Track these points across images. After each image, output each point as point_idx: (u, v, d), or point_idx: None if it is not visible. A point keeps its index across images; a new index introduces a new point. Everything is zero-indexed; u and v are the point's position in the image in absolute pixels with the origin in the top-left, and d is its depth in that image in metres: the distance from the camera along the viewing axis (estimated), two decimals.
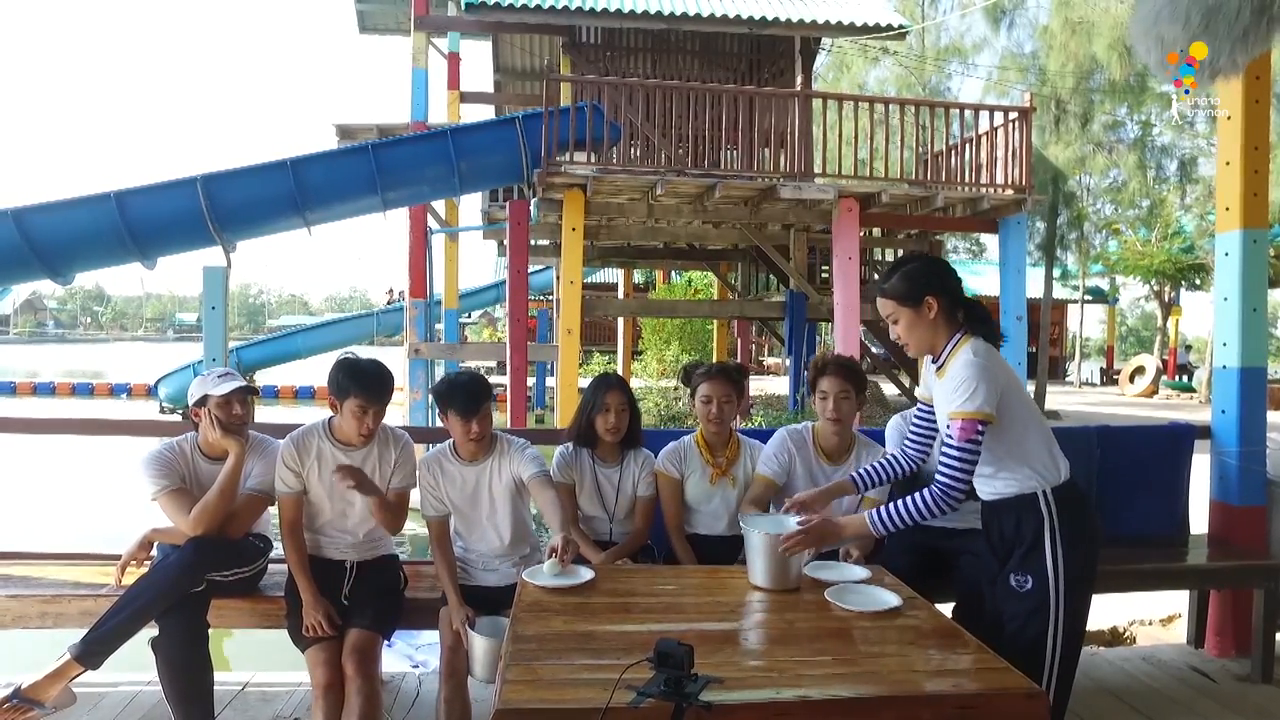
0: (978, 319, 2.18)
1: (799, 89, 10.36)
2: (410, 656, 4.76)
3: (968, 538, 2.75)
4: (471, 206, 15.03)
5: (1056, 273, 17.35)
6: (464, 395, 2.60)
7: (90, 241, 7.75)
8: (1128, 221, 18.52)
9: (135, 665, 2.86)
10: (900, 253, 10.90)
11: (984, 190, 9.03)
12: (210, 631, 2.59)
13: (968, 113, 9.31)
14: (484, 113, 17.39)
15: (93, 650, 2.42)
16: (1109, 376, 24.12)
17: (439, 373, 11.13)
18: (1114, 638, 4.65)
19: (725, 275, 14.16)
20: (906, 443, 2.45)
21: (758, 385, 16.67)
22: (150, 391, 18.03)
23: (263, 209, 8.13)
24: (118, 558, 2.82)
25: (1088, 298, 23.84)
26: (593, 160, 8.55)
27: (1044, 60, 15.02)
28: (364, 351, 2.77)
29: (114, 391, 22.80)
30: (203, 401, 2.69)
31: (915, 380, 11.01)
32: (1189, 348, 24.45)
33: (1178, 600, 4.38)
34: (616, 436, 2.87)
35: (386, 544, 2.82)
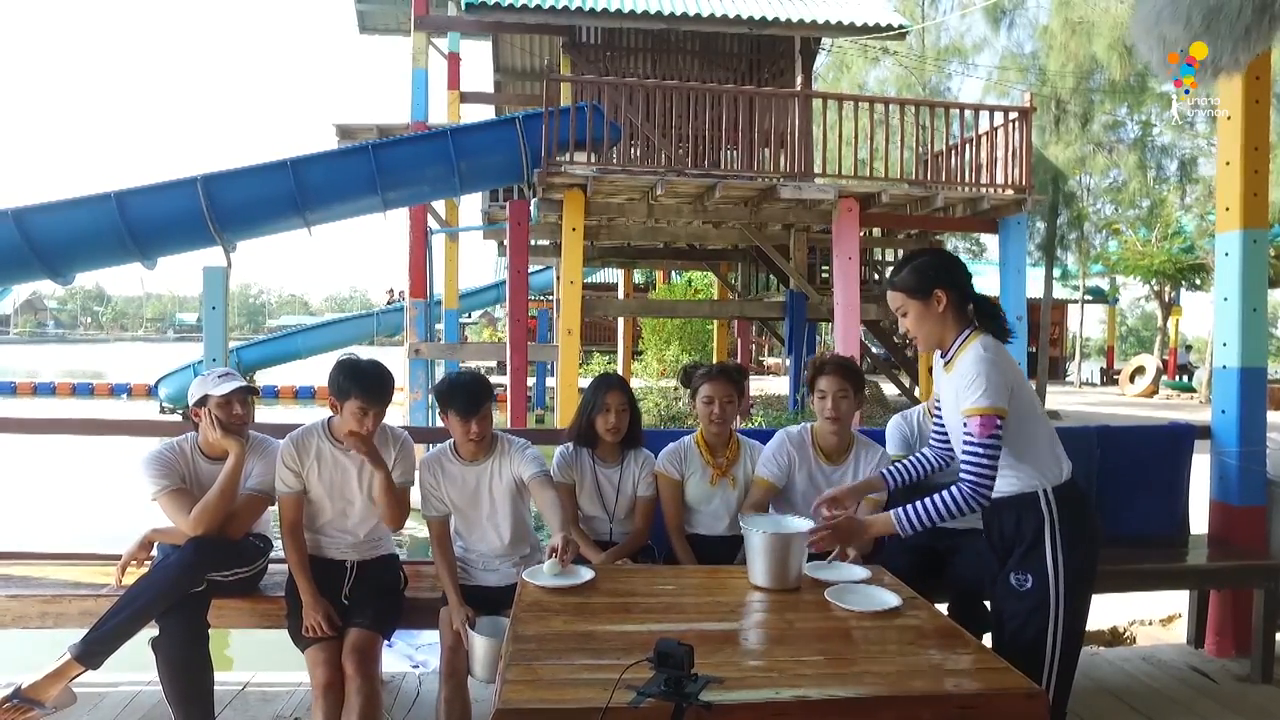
0: (987, 315, 2.17)
1: (799, 89, 10.37)
2: (410, 656, 4.76)
3: (968, 538, 2.74)
4: (472, 206, 15.03)
5: (1056, 273, 17.36)
6: (464, 395, 2.60)
7: (90, 242, 7.76)
8: (1128, 221, 18.52)
9: (135, 665, 2.87)
10: (900, 253, 10.89)
11: (984, 190, 9.03)
12: (210, 631, 2.59)
13: (968, 113, 9.32)
14: (484, 113, 17.38)
15: (93, 650, 2.42)
16: (1109, 376, 24.12)
17: (439, 373, 11.14)
18: (1114, 638, 4.65)
19: (725, 275, 14.14)
20: (933, 440, 2.43)
21: (758, 385, 16.65)
22: (150, 392, 18.05)
23: (263, 209, 8.14)
24: (118, 558, 2.82)
25: (1088, 298, 23.84)
26: (593, 160, 8.55)
27: (1044, 60, 15.04)
28: (364, 352, 2.77)
29: (114, 392, 22.80)
30: (203, 401, 2.69)
31: (915, 380, 11.02)
32: (1189, 348, 24.44)
33: (1178, 600, 4.38)
34: (617, 436, 2.87)
35: (387, 544, 2.82)
